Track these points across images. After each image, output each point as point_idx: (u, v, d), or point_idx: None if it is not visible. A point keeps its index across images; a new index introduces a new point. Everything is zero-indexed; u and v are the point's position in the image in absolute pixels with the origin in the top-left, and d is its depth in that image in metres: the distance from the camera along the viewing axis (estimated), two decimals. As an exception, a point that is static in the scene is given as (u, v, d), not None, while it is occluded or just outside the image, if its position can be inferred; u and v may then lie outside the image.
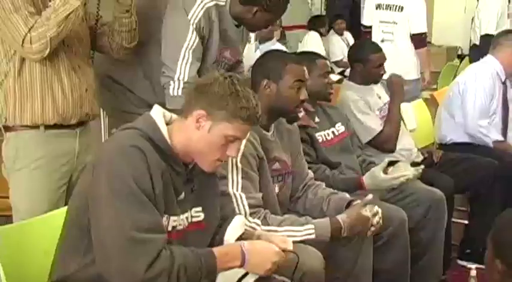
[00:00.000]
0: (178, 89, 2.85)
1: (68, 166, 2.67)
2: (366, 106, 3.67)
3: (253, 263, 2.04)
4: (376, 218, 2.67)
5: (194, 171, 2.13)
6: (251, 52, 5.05)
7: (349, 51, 4.07)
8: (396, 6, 5.32)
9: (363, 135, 3.61)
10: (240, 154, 2.51)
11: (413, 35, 5.28)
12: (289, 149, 2.84)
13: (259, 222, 2.51)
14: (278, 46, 5.54)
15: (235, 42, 3.08)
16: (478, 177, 3.84)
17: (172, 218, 2.04)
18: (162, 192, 1.96)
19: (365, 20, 5.69)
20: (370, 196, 2.74)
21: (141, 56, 3.01)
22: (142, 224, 1.87)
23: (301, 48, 7.93)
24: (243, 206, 2.50)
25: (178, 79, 2.86)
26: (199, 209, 2.16)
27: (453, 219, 3.68)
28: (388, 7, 5.37)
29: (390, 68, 5.17)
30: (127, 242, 1.84)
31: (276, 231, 2.50)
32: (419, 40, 5.29)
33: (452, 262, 3.83)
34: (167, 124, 2.08)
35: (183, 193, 2.09)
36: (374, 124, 3.64)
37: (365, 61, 3.70)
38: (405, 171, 3.18)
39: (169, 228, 2.03)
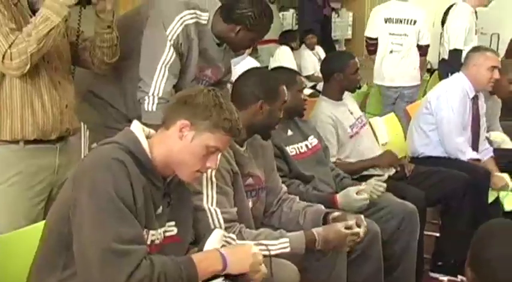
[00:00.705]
0: (153, 104, 2.86)
1: (47, 181, 2.66)
2: (333, 132, 3.70)
3: (235, 261, 2.07)
4: (362, 229, 2.71)
5: (171, 185, 2.16)
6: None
7: (323, 65, 4.12)
8: (409, 20, 6.03)
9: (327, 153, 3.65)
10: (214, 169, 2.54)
11: (424, 45, 6.13)
12: (263, 165, 2.87)
13: (234, 236, 2.52)
14: (249, 60, 5.56)
15: (217, 61, 3.10)
16: (449, 190, 3.89)
17: (151, 232, 2.06)
18: (143, 205, 1.98)
19: (371, 33, 6.27)
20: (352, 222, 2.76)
21: (122, 71, 3.01)
22: (124, 235, 1.88)
23: (273, 62, 7.98)
24: (218, 220, 2.52)
25: (152, 94, 2.87)
26: (172, 223, 2.19)
27: (425, 232, 3.71)
28: (399, 21, 6.06)
29: (398, 76, 5.98)
30: (108, 254, 1.86)
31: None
32: (426, 50, 6.20)
33: (424, 274, 3.87)
34: (147, 138, 2.10)
35: (161, 207, 2.11)
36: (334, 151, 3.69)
37: (343, 69, 3.77)
38: (373, 189, 3.25)
39: (149, 242, 2.05)
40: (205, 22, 2.96)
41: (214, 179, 2.54)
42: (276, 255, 2.51)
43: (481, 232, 1.87)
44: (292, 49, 8.25)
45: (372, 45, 6.33)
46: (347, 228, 2.66)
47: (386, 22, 6.15)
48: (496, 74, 4.22)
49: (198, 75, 3.04)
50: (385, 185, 3.32)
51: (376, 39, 6.21)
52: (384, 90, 6.28)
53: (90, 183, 1.93)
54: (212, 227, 2.48)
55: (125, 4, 2.81)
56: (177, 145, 2.07)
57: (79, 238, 1.92)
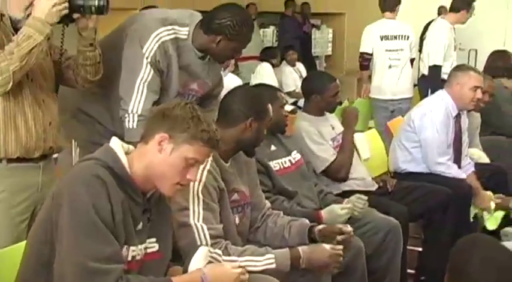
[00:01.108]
0: (133, 122, 2.87)
1: (31, 200, 2.64)
2: (319, 136, 3.75)
3: None
4: (349, 229, 2.80)
5: (151, 201, 2.17)
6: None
7: (303, 83, 4.15)
8: (403, 35, 6.36)
9: (316, 165, 3.68)
10: (201, 185, 2.55)
11: (413, 58, 6.47)
12: (248, 181, 2.88)
13: (220, 252, 2.53)
14: (231, 77, 5.57)
15: (201, 74, 3.11)
16: (431, 205, 3.91)
17: (132, 248, 2.06)
18: (122, 221, 1.98)
19: (367, 49, 6.49)
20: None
21: (108, 88, 3.01)
22: (101, 254, 1.89)
23: (254, 79, 8.00)
24: (205, 236, 2.52)
25: (132, 112, 2.88)
26: (154, 239, 2.19)
27: (408, 247, 3.73)
28: (395, 37, 6.37)
29: (400, 89, 6.25)
30: (84, 272, 1.86)
31: (236, 261, 2.53)
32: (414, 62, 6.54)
33: (408, 289, 3.89)
34: (126, 154, 2.12)
35: (141, 223, 2.12)
36: (327, 154, 3.71)
37: (323, 91, 3.79)
38: (354, 206, 3.28)
39: (129, 258, 2.05)
40: (186, 37, 2.96)
41: (201, 195, 2.55)
42: (261, 272, 2.53)
43: (461, 245, 1.89)
44: (273, 66, 8.27)
45: (366, 61, 6.53)
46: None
47: (382, 39, 6.39)
48: (479, 94, 4.25)
49: (182, 90, 3.04)
50: (365, 197, 3.34)
51: (372, 54, 6.44)
52: (380, 103, 6.39)
53: (69, 201, 1.94)
54: (198, 243, 2.49)
55: (104, 26, 2.80)
56: (156, 158, 2.08)
57: (58, 255, 1.92)
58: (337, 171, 3.74)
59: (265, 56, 8.35)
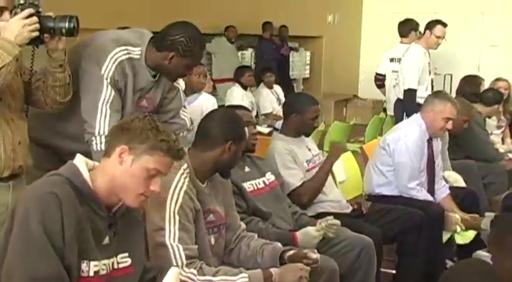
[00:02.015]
0: (101, 144, 2.86)
1: (1, 220, 2.62)
2: (292, 160, 3.75)
3: None
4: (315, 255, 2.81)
5: (117, 215, 2.18)
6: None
7: (286, 101, 4.19)
8: (399, 58, 6.85)
9: (283, 189, 3.69)
10: (177, 205, 2.57)
11: None
12: (223, 201, 2.90)
13: (195, 272, 2.55)
14: (205, 96, 5.57)
15: (149, 92, 3.11)
16: (405, 228, 3.93)
17: (93, 263, 2.07)
18: (74, 239, 1.99)
19: (379, 70, 7.55)
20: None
21: (75, 109, 3.01)
22: (42, 274, 1.91)
23: (226, 102, 7.81)
24: (180, 256, 2.54)
25: (99, 134, 2.88)
26: (126, 254, 2.21)
27: (382, 269, 3.74)
28: (396, 60, 7.03)
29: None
30: None
31: (211, 281, 2.56)
32: None
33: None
34: (91, 170, 2.14)
35: (107, 237, 2.13)
36: (294, 179, 3.72)
37: (303, 112, 3.82)
38: (326, 228, 3.30)
39: (91, 274, 2.06)
40: (138, 56, 2.99)
41: (177, 216, 2.57)
42: None
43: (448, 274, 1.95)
44: (242, 85, 7.99)
45: (379, 80, 7.56)
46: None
47: (391, 61, 7.26)
48: (449, 125, 4.31)
49: (134, 108, 3.07)
50: (337, 222, 3.36)
51: (384, 75, 7.35)
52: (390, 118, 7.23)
53: (21, 216, 1.97)
54: (174, 263, 2.50)
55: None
56: (118, 170, 2.11)
57: (4, 267, 1.94)
58: (300, 197, 3.72)
59: (235, 76, 8.23)
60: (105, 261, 2.12)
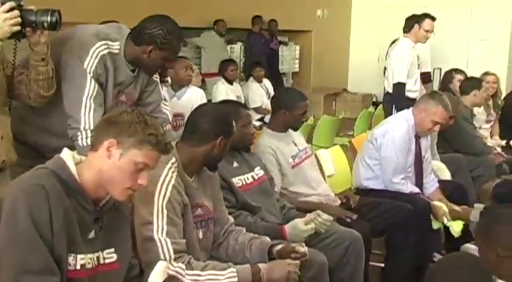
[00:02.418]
0: (86, 138, 2.85)
1: None
2: (273, 161, 3.72)
3: None
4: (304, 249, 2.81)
5: (104, 209, 2.18)
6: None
7: (274, 97, 4.18)
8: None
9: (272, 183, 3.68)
10: (166, 200, 2.57)
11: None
12: (211, 195, 2.90)
13: (183, 266, 2.55)
14: (194, 89, 5.55)
15: (129, 87, 3.11)
16: (393, 221, 3.94)
17: (79, 256, 2.07)
18: (63, 230, 1.99)
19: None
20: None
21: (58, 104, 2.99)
22: (33, 266, 1.90)
23: (213, 98, 7.75)
24: (168, 251, 2.53)
25: (84, 129, 2.87)
26: (112, 250, 2.20)
27: (370, 262, 3.75)
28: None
29: None
30: None
31: (199, 275, 2.56)
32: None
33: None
34: (78, 164, 2.14)
35: (93, 231, 2.13)
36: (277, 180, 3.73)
37: (292, 109, 3.82)
38: (320, 225, 3.30)
39: (78, 267, 2.06)
40: (118, 51, 2.99)
41: (165, 210, 2.57)
42: None
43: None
44: (227, 79, 7.93)
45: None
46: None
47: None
48: (437, 129, 4.34)
49: (113, 103, 3.06)
50: (331, 218, 3.37)
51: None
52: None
53: (8, 209, 1.96)
54: (162, 257, 2.49)
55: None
56: (106, 164, 2.11)
57: None
58: None
59: (219, 70, 8.19)
60: (91, 256, 2.11)
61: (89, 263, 2.10)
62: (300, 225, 3.26)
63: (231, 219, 3.04)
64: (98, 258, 2.15)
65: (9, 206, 1.96)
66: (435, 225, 4.21)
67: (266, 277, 2.65)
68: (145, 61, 3.00)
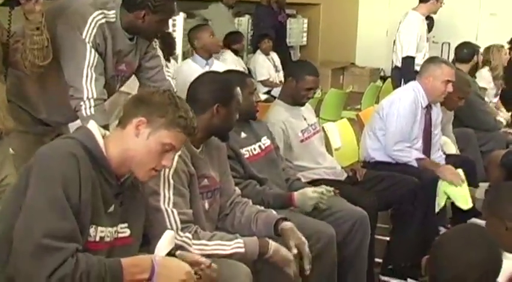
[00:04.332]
0: (90, 108, 2.86)
1: None
2: (280, 138, 3.70)
3: (161, 277, 2.04)
4: (306, 260, 2.76)
5: (125, 186, 2.18)
6: (191, 69, 5.03)
7: (289, 65, 4.16)
8: None
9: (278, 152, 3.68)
10: (172, 170, 2.56)
11: None
12: (218, 166, 2.89)
13: (190, 236, 2.55)
14: (218, 64, 5.55)
15: (128, 55, 3.11)
16: (400, 195, 3.93)
17: (100, 228, 2.07)
18: (89, 200, 1.99)
19: None
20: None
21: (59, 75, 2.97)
22: (57, 231, 1.90)
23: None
24: (175, 221, 2.53)
25: (87, 98, 2.87)
26: (125, 225, 2.20)
27: (376, 236, 3.75)
28: None
29: None
30: (36, 248, 1.87)
31: (206, 245, 2.56)
32: None
33: (375, 278, 3.90)
34: (102, 138, 2.13)
35: (113, 206, 2.13)
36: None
37: (300, 78, 3.80)
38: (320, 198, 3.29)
39: (97, 239, 2.06)
40: (114, 20, 2.97)
41: (171, 180, 2.56)
42: (230, 256, 2.56)
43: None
44: (236, 52, 7.96)
45: None
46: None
47: None
48: (450, 88, 4.28)
49: (113, 72, 3.07)
50: (331, 189, 3.36)
51: None
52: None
53: (41, 172, 1.96)
54: (169, 227, 2.49)
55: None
56: (133, 142, 2.11)
57: (18, 223, 1.93)
58: None
59: (227, 41, 8.18)
60: (110, 229, 2.11)
61: (107, 236, 2.10)
62: (308, 193, 3.26)
63: (238, 190, 3.03)
64: (115, 232, 2.15)
65: (42, 170, 1.96)
66: (441, 201, 4.19)
67: (273, 252, 2.64)
68: (140, 27, 2.98)
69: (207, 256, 2.44)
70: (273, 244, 2.65)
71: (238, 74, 3.47)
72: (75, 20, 2.89)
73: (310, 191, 3.28)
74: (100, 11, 2.93)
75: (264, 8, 10.07)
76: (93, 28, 2.89)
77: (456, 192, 4.13)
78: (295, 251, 2.76)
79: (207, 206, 2.78)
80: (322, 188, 3.32)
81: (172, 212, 2.54)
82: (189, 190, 2.65)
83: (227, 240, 2.61)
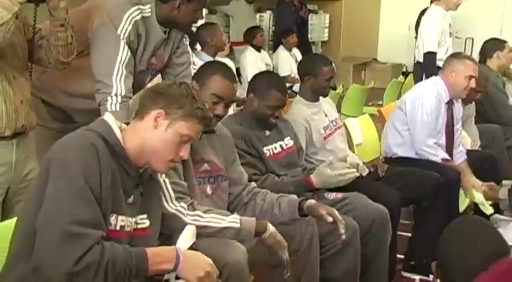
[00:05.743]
0: (116, 103, 2.87)
1: (4, 178, 2.62)
2: (303, 136, 3.71)
3: (186, 267, 2.06)
4: (340, 225, 2.82)
5: (144, 176, 2.21)
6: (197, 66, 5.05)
7: (299, 65, 4.17)
8: None
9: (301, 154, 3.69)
10: None
11: None
12: (222, 153, 2.90)
13: (185, 206, 2.55)
14: (224, 60, 5.56)
15: (159, 48, 3.13)
16: (422, 191, 3.91)
17: (120, 217, 2.09)
18: (110, 190, 2.01)
19: None
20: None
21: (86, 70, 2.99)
22: (82, 218, 1.91)
23: (241, 69, 7.73)
24: (167, 191, 2.53)
25: (116, 94, 2.88)
26: (145, 216, 2.22)
27: (398, 232, 3.74)
28: None
29: None
30: (62, 235, 1.87)
31: (200, 216, 2.56)
32: None
33: (396, 274, 3.90)
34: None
35: (133, 196, 2.15)
36: None
37: (317, 75, 3.79)
38: (350, 170, 3.31)
39: (118, 228, 2.08)
40: (149, 14, 2.99)
41: None
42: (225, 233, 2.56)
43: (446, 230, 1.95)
44: (255, 47, 7.93)
45: None
46: None
47: None
48: (473, 84, 4.26)
49: (144, 67, 3.10)
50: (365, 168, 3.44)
51: None
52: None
53: (61, 162, 1.97)
54: (163, 197, 2.49)
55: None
56: (151, 134, 2.13)
57: (41, 213, 1.94)
58: None
59: (247, 37, 8.16)
60: (130, 219, 2.13)
61: (128, 226, 2.12)
62: (325, 171, 3.27)
63: (253, 183, 3.04)
64: (135, 222, 2.17)
65: (62, 160, 1.97)
66: (463, 204, 4.17)
67: (270, 234, 2.62)
68: (176, 18, 3.00)
69: (202, 227, 2.47)
70: (271, 227, 2.64)
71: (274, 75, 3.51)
72: (112, 15, 2.91)
73: (326, 169, 3.27)
74: (136, 7, 2.95)
75: (285, 3, 10.05)
76: (128, 25, 2.91)
77: (480, 198, 4.13)
78: (330, 219, 2.81)
79: (209, 190, 2.79)
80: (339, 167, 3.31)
81: (164, 181, 2.53)
82: (184, 176, 2.66)
83: (224, 215, 2.62)
